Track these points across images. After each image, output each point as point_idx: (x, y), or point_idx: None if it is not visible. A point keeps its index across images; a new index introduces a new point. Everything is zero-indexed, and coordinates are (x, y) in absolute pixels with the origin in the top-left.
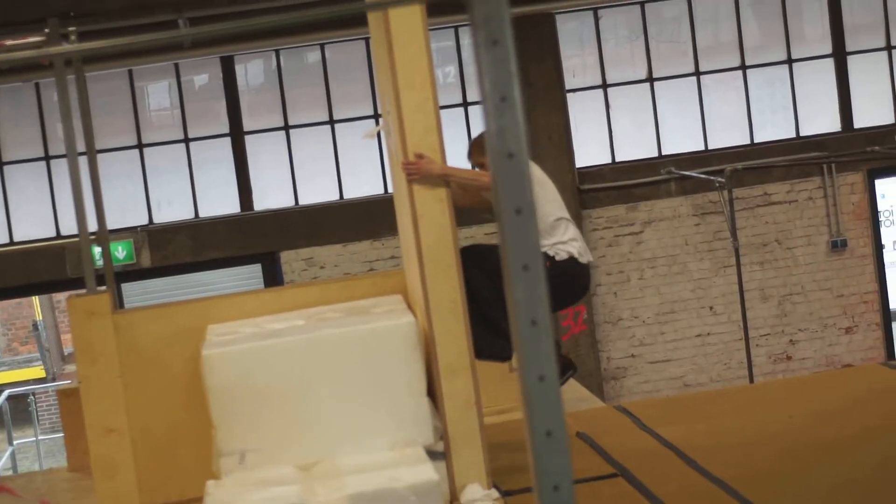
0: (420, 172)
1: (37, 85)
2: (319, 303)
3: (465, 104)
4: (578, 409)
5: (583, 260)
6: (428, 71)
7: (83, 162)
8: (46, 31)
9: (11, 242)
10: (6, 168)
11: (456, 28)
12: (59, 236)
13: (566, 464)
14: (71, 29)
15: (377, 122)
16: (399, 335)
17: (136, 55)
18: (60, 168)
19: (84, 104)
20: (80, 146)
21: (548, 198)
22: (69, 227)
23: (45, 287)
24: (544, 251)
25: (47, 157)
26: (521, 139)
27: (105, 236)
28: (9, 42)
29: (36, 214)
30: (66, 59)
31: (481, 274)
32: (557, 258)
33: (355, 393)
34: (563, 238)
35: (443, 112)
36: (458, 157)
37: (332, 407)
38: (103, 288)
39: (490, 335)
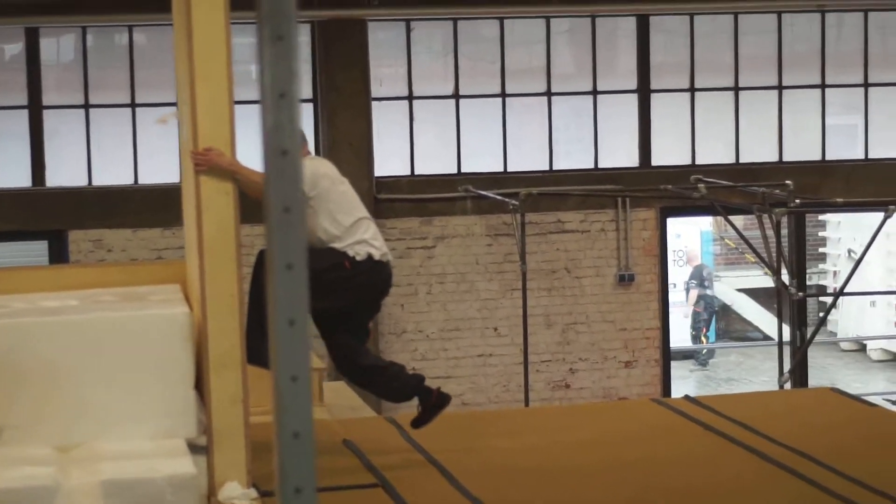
0: (208, 164)
1: None
2: (98, 285)
3: None
4: (349, 417)
5: (382, 259)
6: (226, 63)
7: None
8: None
9: None
10: None
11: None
12: None
13: (310, 467)
14: None
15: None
16: (171, 325)
17: None
18: None
19: None
20: None
21: (347, 198)
22: None
23: None
24: (344, 251)
25: None
26: (296, 137)
27: None
28: None
29: None
30: None
31: None
32: (357, 258)
33: (122, 379)
34: (362, 237)
35: (243, 107)
36: (253, 153)
37: (97, 391)
38: None
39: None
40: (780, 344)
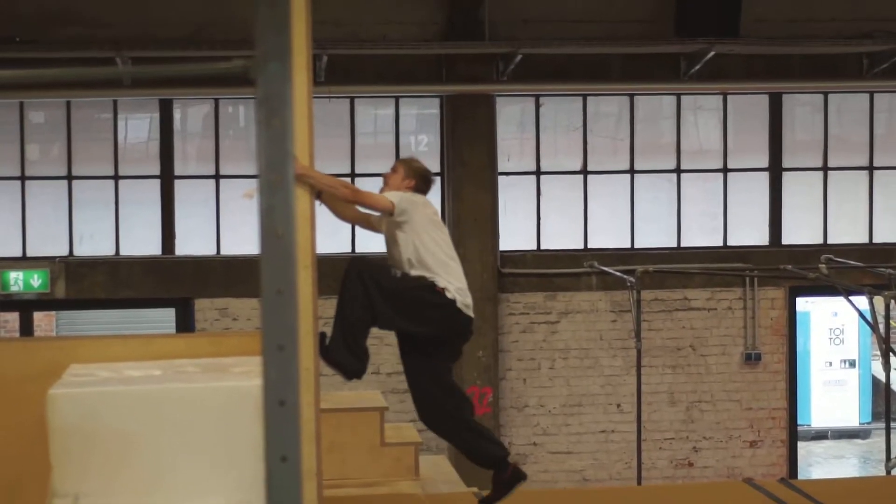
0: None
1: None
2: (185, 355)
3: (353, 175)
4: (439, 492)
5: (464, 309)
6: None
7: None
8: None
9: None
10: None
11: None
12: None
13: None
14: None
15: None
16: (247, 397)
17: (74, 87)
18: None
19: None
20: (16, 171)
21: (445, 238)
22: None
23: None
24: (434, 280)
25: None
26: (291, 220)
27: None
28: None
29: None
30: None
31: (365, 291)
32: (447, 294)
33: (197, 449)
34: (458, 283)
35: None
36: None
37: (172, 460)
38: None
39: (345, 347)
40: (888, 427)
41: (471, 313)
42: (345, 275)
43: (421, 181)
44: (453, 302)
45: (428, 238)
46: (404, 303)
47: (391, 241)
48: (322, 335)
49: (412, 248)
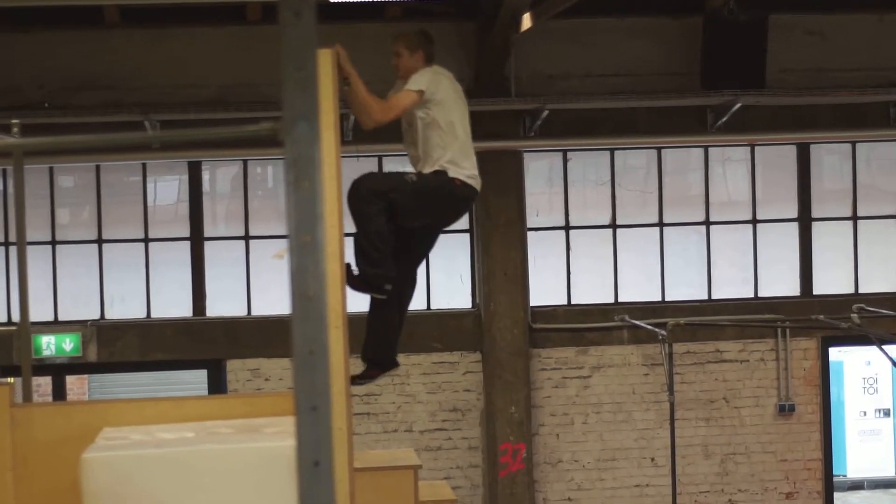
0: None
1: None
2: (218, 417)
3: None
4: None
5: (477, 186)
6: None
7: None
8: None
9: None
10: None
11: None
12: (9, 322)
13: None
14: (14, 122)
15: None
16: (281, 457)
17: (104, 152)
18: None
19: (20, 195)
20: (47, 236)
21: (465, 114)
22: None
23: None
24: (455, 176)
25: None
26: (322, 280)
27: (26, 329)
28: None
29: None
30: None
31: (385, 203)
32: (469, 182)
33: None
34: (473, 170)
35: None
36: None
37: None
38: (9, 380)
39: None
40: None
41: (478, 186)
42: (355, 195)
43: (426, 44)
44: (472, 189)
45: (455, 118)
46: (427, 202)
47: (409, 125)
48: (348, 266)
49: (438, 131)
